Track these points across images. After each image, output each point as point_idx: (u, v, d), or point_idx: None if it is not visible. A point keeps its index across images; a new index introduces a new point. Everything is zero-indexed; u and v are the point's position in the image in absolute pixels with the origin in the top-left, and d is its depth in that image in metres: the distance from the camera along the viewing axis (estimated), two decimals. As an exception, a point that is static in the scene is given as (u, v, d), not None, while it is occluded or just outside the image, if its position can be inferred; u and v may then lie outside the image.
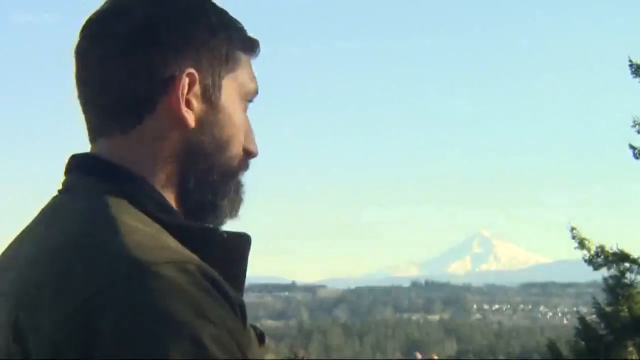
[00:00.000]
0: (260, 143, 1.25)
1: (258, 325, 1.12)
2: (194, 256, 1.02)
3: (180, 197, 1.16)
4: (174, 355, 0.91)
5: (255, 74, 1.24)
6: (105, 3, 1.19)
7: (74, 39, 1.19)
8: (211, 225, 1.18)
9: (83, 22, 1.19)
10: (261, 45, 1.25)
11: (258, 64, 1.26)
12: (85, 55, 1.17)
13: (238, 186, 1.21)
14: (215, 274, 1.00)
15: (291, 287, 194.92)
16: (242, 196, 1.22)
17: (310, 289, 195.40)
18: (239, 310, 1.00)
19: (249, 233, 1.17)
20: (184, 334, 0.92)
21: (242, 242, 1.15)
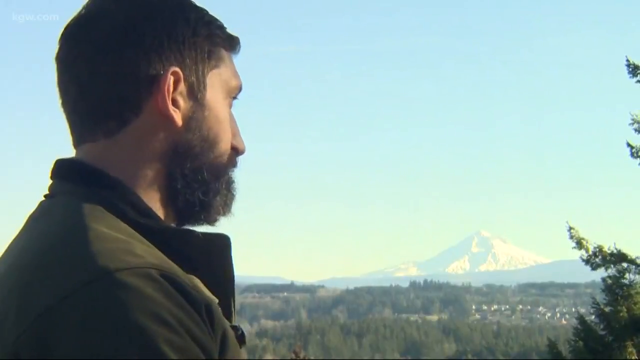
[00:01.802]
0: (259, 143, 1.62)
1: (255, 325, 1.40)
2: (159, 260, 1.01)
3: (170, 197, 1.15)
4: None
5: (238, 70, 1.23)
6: (83, 8, 1.17)
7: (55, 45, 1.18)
8: (188, 228, 1.17)
9: (62, 28, 1.18)
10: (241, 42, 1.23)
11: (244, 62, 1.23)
12: (66, 61, 1.15)
13: (229, 183, 1.21)
14: (179, 277, 1.00)
15: (290, 287, 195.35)
16: (234, 193, 1.22)
17: (309, 289, 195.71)
18: (205, 311, 0.99)
19: (228, 233, 1.15)
20: (141, 341, 0.92)
21: (219, 242, 1.14)
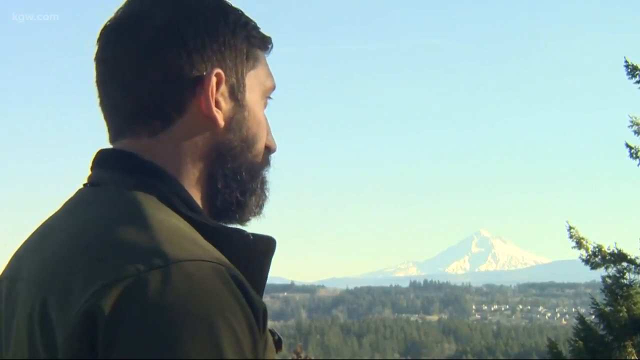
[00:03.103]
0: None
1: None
2: (223, 257, 1.02)
3: (209, 196, 1.17)
4: (191, 357, 0.90)
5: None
6: (122, 8, 1.19)
7: (74, 40, 1.53)
8: (239, 227, 1.17)
9: (101, 28, 1.19)
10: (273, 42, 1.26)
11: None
12: (108, 62, 1.16)
13: (263, 183, 1.22)
14: (243, 277, 1.00)
15: (290, 287, 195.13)
16: (267, 193, 1.23)
17: (309, 289, 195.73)
18: (262, 316, 1.00)
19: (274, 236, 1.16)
20: (204, 337, 0.91)
21: (267, 245, 1.14)
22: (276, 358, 1.08)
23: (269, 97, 1.24)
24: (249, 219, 1.21)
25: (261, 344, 0.99)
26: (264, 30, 1.22)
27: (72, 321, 0.95)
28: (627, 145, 11.50)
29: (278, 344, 1.12)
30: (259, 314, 0.98)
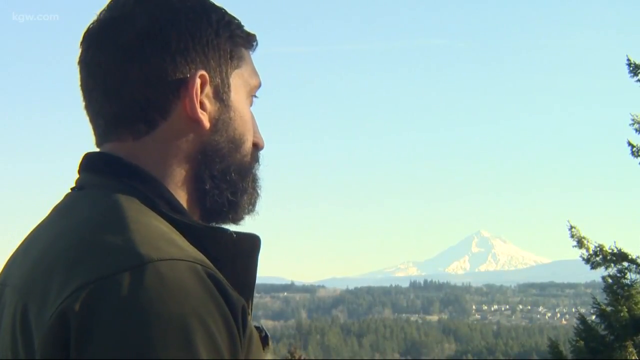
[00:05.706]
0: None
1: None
2: (201, 256, 1.03)
3: (197, 197, 1.17)
4: (162, 356, 0.90)
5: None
6: (105, 11, 1.19)
7: (74, 40, 1.16)
8: (221, 226, 1.17)
9: (84, 31, 1.19)
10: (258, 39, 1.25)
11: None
12: (91, 65, 1.16)
13: (254, 181, 1.23)
14: (220, 276, 1.00)
15: (290, 287, 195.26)
16: (259, 191, 1.24)
17: (309, 289, 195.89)
18: (241, 313, 1.00)
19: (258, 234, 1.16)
20: (175, 336, 0.91)
21: (251, 243, 1.15)
22: (264, 355, 1.08)
23: (255, 95, 1.24)
24: (242, 218, 1.22)
25: (243, 341, 0.99)
26: (264, 31, 1.51)
27: (47, 324, 0.96)
28: (629, 144, 11.46)
29: (265, 341, 1.12)
30: (237, 312, 0.98)
